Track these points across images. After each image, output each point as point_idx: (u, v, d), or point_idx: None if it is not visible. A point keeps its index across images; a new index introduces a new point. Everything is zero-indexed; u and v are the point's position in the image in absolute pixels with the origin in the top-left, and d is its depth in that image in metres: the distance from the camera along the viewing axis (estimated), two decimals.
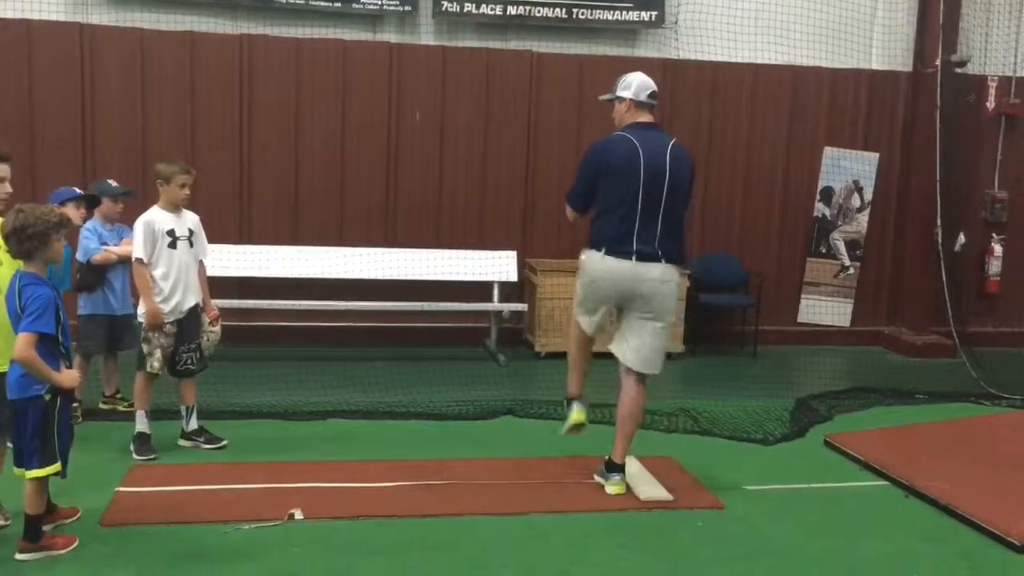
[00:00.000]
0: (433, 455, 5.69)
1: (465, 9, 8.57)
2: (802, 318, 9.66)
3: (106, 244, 6.05)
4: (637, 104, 5.04)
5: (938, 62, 9.17)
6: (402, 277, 8.48)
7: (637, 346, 5.04)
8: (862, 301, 9.73)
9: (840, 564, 4.39)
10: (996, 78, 9.59)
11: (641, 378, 5.09)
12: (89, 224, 6.07)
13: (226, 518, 4.58)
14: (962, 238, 9.53)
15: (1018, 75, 9.63)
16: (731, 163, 9.31)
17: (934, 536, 4.75)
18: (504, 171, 8.90)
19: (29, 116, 8.05)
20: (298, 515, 4.65)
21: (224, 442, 5.72)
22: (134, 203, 6.37)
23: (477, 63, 8.73)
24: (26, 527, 4.14)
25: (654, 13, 8.85)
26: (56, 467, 4.09)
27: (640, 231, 4.90)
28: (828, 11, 9.21)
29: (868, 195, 9.59)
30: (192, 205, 5.75)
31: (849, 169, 9.53)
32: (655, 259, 4.93)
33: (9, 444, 4.15)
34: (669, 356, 8.44)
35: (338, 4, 8.37)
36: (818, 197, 9.54)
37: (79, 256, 5.95)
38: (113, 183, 6.28)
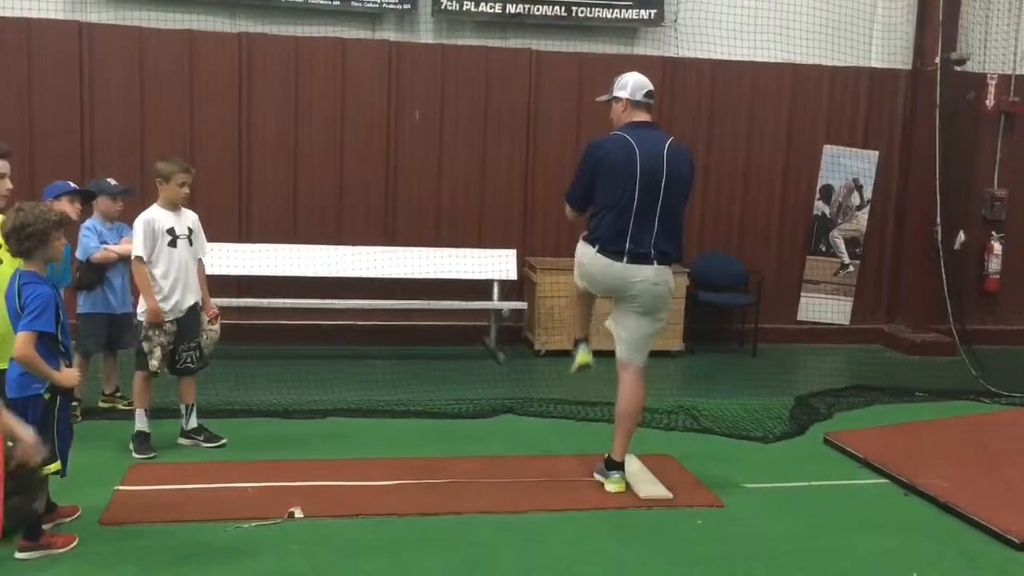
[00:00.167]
0: (433, 453, 5.69)
1: (464, 7, 8.56)
2: (802, 316, 9.66)
3: (106, 242, 6.05)
4: (633, 104, 5.04)
5: (938, 60, 9.16)
6: (401, 275, 8.48)
7: (631, 327, 5.08)
8: (862, 299, 9.73)
9: (839, 562, 4.39)
10: (996, 76, 9.58)
11: (638, 372, 5.10)
12: (89, 222, 6.08)
13: (226, 516, 4.58)
14: (962, 236, 9.53)
15: (1017, 73, 9.62)
16: (731, 161, 9.31)
17: (933, 534, 4.76)
18: (504, 169, 8.90)
19: (28, 114, 8.04)
20: (298, 513, 4.65)
21: (224, 440, 5.71)
22: (133, 201, 6.39)
23: (476, 61, 8.72)
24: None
25: (653, 11, 8.84)
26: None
27: (634, 231, 4.90)
28: (828, 9, 9.21)
29: (868, 193, 9.59)
30: (191, 203, 5.75)
31: (849, 167, 9.52)
32: (647, 260, 4.94)
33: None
34: (669, 354, 8.58)
35: (337, 2, 8.36)
36: (818, 195, 9.54)
37: (79, 254, 5.94)
38: (112, 181, 6.27)
